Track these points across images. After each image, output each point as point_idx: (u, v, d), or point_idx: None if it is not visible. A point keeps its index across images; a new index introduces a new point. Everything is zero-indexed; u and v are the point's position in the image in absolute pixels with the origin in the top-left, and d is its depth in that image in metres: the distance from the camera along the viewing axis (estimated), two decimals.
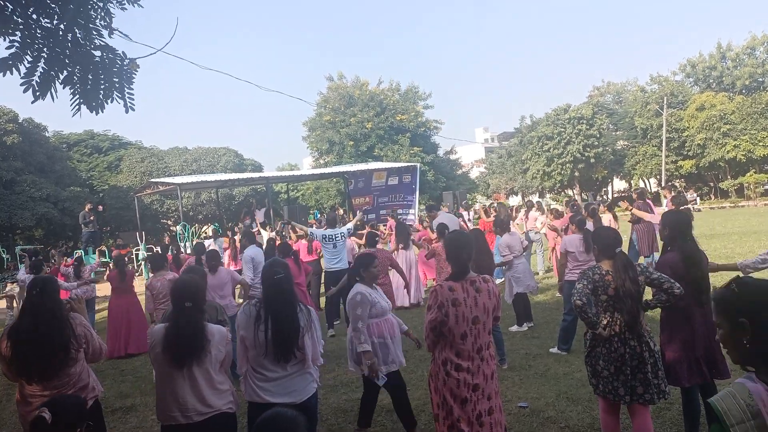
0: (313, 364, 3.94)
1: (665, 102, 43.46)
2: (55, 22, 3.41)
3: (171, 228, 30.52)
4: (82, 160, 38.81)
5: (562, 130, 45.72)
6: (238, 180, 28.79)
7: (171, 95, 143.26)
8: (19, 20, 3.27)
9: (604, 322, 4.17)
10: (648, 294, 4.38)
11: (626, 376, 4.12)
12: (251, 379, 3.86)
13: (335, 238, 10.37)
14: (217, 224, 24.44)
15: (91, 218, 22.46)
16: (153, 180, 27.90)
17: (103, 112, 3.55)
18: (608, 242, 4.29)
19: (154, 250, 15.82)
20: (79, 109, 3.53)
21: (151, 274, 9.18)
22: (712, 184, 45.42)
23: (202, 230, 17.98)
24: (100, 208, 23.54)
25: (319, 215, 26.87)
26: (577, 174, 45.88)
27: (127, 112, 3.62)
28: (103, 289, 15.42)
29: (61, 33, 3.40)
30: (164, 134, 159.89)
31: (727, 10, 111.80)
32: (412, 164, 28.40)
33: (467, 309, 3.76)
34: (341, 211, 26.27)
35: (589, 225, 8.52)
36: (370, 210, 24.39)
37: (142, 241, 22.34)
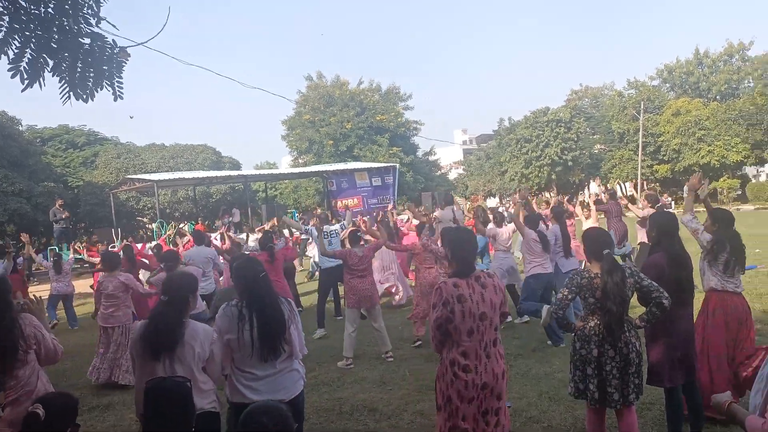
0: (300, 353, 3.93)
1: (642, 107, 44.03)
2: (42, 8, 3.34)
3: (147, 225, 30.17)
4: (57, 155, 38.03)
5: (540, 132, 46.12)
6: (216, 178, 28.57)
7: (148, 91, 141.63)
8: (7, 4, 3.20)
9: (591, 323, 4.15)
10: (637, 303, 4.41)
11: (617, 380, 4.08)
12: (239, 379, 3.75)
13: (330, 234, 10.19)
14: (193, 222, 24.16)
15: (64, 215, 22.09)
16: (129, 176, 27.50)
17: (93, 100, 3.50)
18: (596, 243, 4.25)
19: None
20: (68, 98, 3.46)
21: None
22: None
23: (176, 228, 17.66)
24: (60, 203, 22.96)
25: (297, 214, 26.69)
26: (554, 177, 46.28)
27: (115, 100, 3.58)
28: (80, 286, 15.16)
29: (52, 19, 3.33)
30: (141, 130, 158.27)
31: (705, 17, 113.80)
32: (391, 164, 28.54)
33: (474, 305, 3.65)
34: (318, 211, 26.20)
35: (556, 228, 8.60)
36: (358, 212, 24.32)
37: (117, 238, 22.00)
